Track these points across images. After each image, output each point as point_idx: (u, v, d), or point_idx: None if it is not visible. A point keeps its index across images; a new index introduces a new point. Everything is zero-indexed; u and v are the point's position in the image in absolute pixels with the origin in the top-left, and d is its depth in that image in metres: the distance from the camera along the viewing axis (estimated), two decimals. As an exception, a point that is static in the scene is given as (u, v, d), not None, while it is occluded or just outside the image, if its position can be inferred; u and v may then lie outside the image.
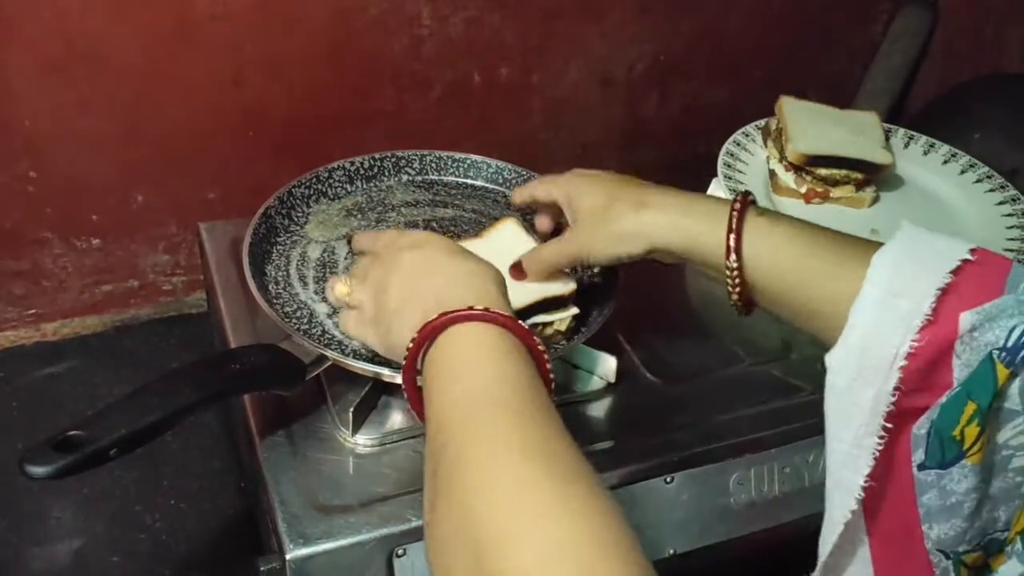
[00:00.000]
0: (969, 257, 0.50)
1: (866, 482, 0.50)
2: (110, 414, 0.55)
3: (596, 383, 0.74)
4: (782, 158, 0.93)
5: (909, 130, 1.02)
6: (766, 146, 0.97)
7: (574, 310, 0.71)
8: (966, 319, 0.48)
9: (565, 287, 0.70)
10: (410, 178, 0.88)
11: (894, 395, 0.49)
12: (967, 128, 1.05)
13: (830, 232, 0.57)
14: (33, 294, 0.93)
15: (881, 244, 0.53)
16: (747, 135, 0.98)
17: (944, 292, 0.48)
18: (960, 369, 0.48)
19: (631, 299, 0.78)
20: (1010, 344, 0.47)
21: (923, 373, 0.49)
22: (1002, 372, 0.47)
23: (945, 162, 0.99)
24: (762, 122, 1.00)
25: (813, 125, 0.94)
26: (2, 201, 0.86)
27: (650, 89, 1.10)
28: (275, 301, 0.73)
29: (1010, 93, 1.08)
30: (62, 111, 0.84)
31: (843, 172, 0.92)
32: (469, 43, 0.96)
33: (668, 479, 0.70)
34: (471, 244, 0.74)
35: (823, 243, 0.56)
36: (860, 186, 0.93)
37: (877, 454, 0.50)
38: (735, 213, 0.58)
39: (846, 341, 0.51)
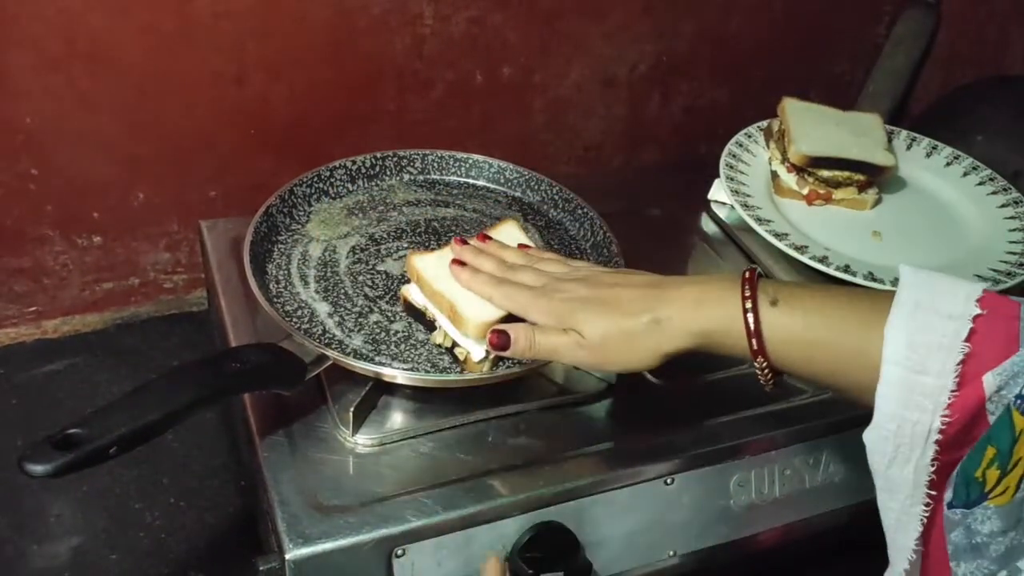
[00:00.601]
0: (979, 312, 0.50)
1: (917, 545, 0.51)
2: (110, 412, 0.55)
3: (596, 384, 0.74)
4: (784, 159, 0.93)
5: (912, 132, 1.02)
6: (768, 147, 0.97)
7: (575, 311, 0.71)
8: (990, 381, 0.49)
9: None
10: (412, 177, 0.88)
11: (933, 466, 0.50)
12: (970, 130, 1.05)
13: (843, 297, 0.56)
14: (34, 291, 0.93)
15: (891, 297, 0.53)
16: (749, 136, 0.98)
17: (964, 360, 0.49)
18: (982, 420, 0.49)
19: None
20: None
21: (959, 436, 0.50)
22: (1019, 420, 0.47)
23: (948, 164, 0.99)
24: (764, 123, 1.00)
25: (816, 126, 0.94)
26: (3, 198, 0.86)
27: (652, 89, 1.10)
28: (276, 300, 0.73)
29: (1013, 95, 1.08)
30: (64, 109, 0.84)
31: (845, 174, 0.92)
32: (471, 43, 0.96)
33: (668, 480, 0.69)
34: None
35: (841, 317, 0.55)
36: (862, 188, 0.93)
37: (924, 520, 0.51)
38: (748, 314, 0.57)
39: (878, 424, 0.51)
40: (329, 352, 0.66)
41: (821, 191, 0.92)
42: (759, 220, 0.86)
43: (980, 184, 0.96)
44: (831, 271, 0.82)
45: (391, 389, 0.71)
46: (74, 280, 0.94)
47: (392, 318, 0.73)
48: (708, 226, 0.95)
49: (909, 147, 1.01)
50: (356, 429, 0.68)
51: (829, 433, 0.74)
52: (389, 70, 0.95)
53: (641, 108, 1.11)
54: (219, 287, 0.79)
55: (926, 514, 0.51)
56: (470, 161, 0.89)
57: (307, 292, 0.74)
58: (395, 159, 0.87)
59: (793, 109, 0.96)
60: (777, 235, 0.85)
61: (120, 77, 0.84)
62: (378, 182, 0.87)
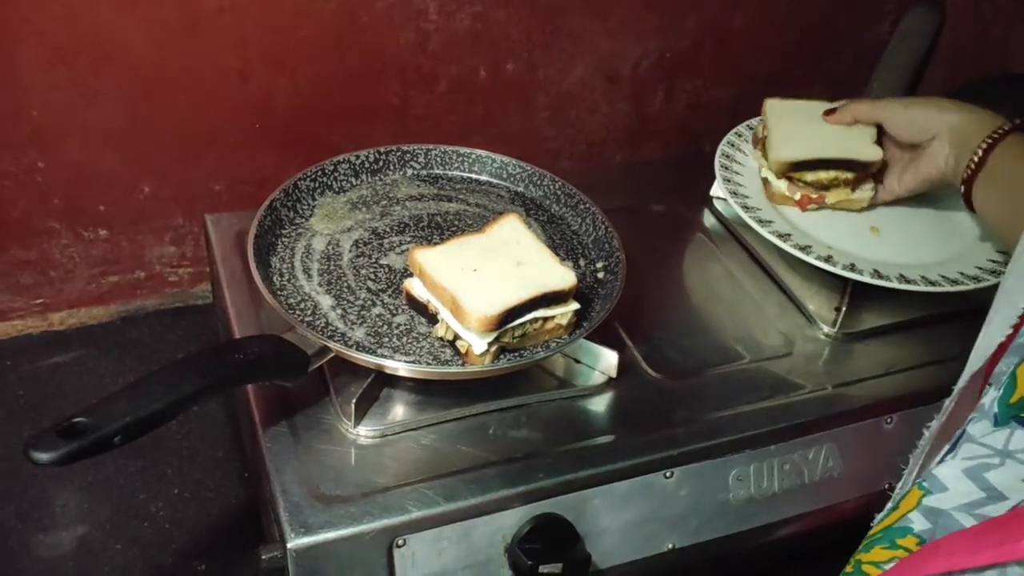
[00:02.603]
0: None
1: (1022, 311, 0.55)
2: (114, 402, 0.56)
3: (597, 378, 0.75)
4: (776, 170, 0.90)
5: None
6: (757, 153, 0.94)
7: (575, 305, 0.72)
8: None
9: (566, 282, 0.71)
10: (415, 172, 0.89)
11: None
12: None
13: None
14: (40, 284, 0.93)
15: None
16: (740, 135, 0.98)
17: None
18: None
19: (633, 295, 0.78)
20: None
21: None
22: None
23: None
24: (754, 121, 0.99)
25: (797, 128, 0.90)
26: (10, 191, 0.87)
27: (655, 86, 1.11)
28: (279, 293, 0.73)
29: (1017, 93, 1.08)
30: (70, 102, 0.85)
31: (832, 174, 0.88)
32: (475, 38, 0.97)
33: (668, 474, 0.70)
34: (473, 239, 0.74)
35: None
36: (854, 186, 0.89)
37: None
38: (1007, 124, 0.75)
39: None
40: (332, 344, 0.67)
41: (813, 195, 0.89)
42: (761, 222, 0.86)
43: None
44: (837, 270, 0.82)
45: (393, 381, 0.72)
46: (80, 273, 0.94)
47: (394, 311, 0.73)
48: (710, 222, 0.96)
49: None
50: (358, 421, 0.68)
51: (828, 427, 0.75)
52: (393, 65, 0.95)
53: (644, 104, 1.12)
54: (223, 280, 0.80)
55: None
56: (473, 156, 0.89)
57: (310, 285, 0.75)
58: (399, 154, 0.88)
59: (775, 111, 0.92)
60: (780, 235, 0.85)
61: (126, 71, 0.85)
62: (381, 176, 0.87)
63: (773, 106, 0.93)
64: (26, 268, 0.92)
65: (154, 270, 0.97)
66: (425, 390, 0.72)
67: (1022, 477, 0.42)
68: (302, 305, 0.73)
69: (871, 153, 0.87)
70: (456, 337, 0.69)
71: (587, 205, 0.85)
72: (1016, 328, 0.54)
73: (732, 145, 0.97)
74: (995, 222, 0.77)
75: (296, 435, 0.68)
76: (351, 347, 0.68)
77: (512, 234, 0.75)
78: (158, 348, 0.94)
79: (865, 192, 0.90)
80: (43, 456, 0.52)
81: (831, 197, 0.89)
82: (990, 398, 0.48)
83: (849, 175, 0.88)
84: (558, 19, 1.00)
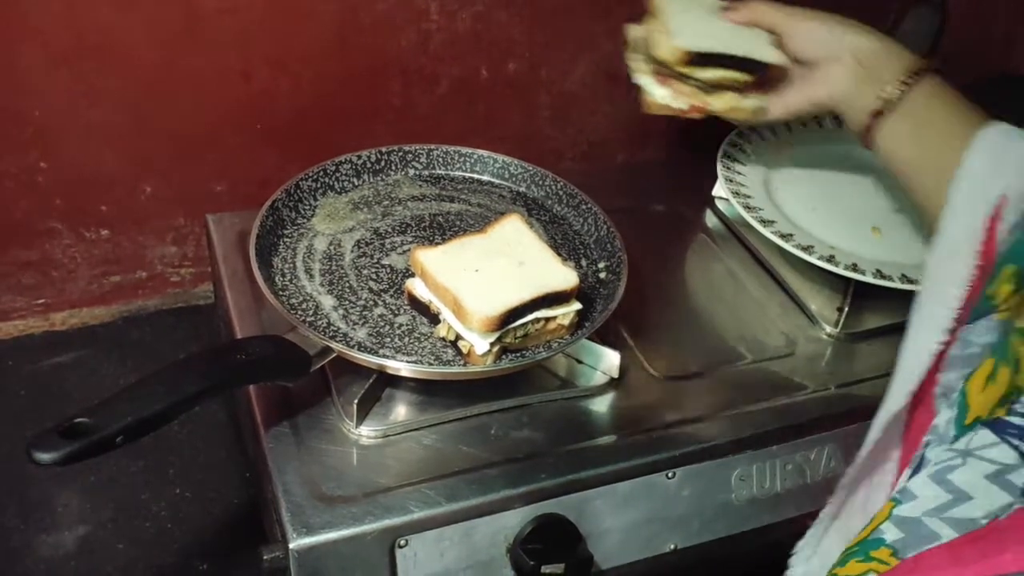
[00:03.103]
0: None
1: (956, 313, 0.54)
2: (116, 402, 0.56)
3: (599, 378, 0.75)
4: (654, 66, 0.79)
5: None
6: (629, 61, 0.82)
7: (577, 305, 0.72)
8: (1015, 188, 0.55)
9: (568, 283, 0.71)
10: (417, 172, 0.89)
11: (980, 246, 0.55)
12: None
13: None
14: (42, 284, 0.93)
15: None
16: (742, 135, 0.98)
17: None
18: (1001, 231, 0.54)
19: (635, 296, 0.78)
20: None
21: (989, 239, 0.55)
22: None
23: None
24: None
25: (690, 17, 0.79)
26: (12, 191, 0.87)
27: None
28: (281, 293, 0.73)
29: (1019, 94, 1.08)
30: (72, 103, 0.85)
31: (727, 74, 0.77)
32: (477, 38, 0.97)
33: (670, 474, 0.70)
34: (475, 239, 0.74)
35: (976, 112, 0.68)
36: (745, 92, 0.79)
37: (967, 290, 0.54)
38: (927, 64, 0.72)
39: (951, 204, 0.59)
40: (334, 344, 0.67)
41: (698, 103, 0.78)
42: (763, 222, 0.86)
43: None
44: (840, 270, 0.82)
45: (395, 382, 0.72)
46: (82, 273, 0.94)
47: (396, 311, 0.73)
48: (712, 222, 0.96)
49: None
50: (360, 421, 0.68)
51: (831, 428, 0.75)
52: (395, 66, 0.95)
53: None
54: (225, 280, 0.80)
55: (974, 273, 0.55)
56: (475, 156, 0.89)
57: (312, 285, 0.75)
58: (400, 154, 0.88)
59: (666, 1, 0.80)
60: (782, 236, 0.85)
61: (127, 71, 0.85)
62: (383, 177, 0.87)
63: None
64: (28, 268, 0.92)
65: (156, 270, 0.97)
66: (427, 390, 0.72)
67: (985, 474, 0.42)
68: (304, 305, 0.73)
69: (774, 55, 0.77)
70: (458, 337, 0.69)
71: (589, 205, 0.85)
72: (953, 333, 0.54)
73: (734, 145, 0.97)
74: (905, 167, 0.71)
75: (298, 435, 0.68)
76: (353, 347, 0.68)
77: (514, 234, 0.75)
78: (160, 348, 0.94)
79: (752, 100, 0.80)
80: (45, 456, 0.52)
81: (718, 103, 0.79)
82: (944, 419, 0.47)
83: (745, 77, 0.77)
84: (559, 19, 1.00)
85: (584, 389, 0.74)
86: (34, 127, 0.85)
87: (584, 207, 0.85)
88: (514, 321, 0.68)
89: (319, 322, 0.71)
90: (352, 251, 0.79)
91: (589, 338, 0.73)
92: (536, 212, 0.86)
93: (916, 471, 0.46)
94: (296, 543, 0.60)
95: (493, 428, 0.70)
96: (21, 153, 0.85)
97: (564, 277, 0.71)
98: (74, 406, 0.54)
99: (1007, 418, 0.43)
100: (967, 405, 0.47)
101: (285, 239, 0.79)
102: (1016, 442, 0.42)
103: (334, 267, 0.77)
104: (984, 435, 0.43)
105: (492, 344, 0.68)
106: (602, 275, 0.80)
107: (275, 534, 0.64)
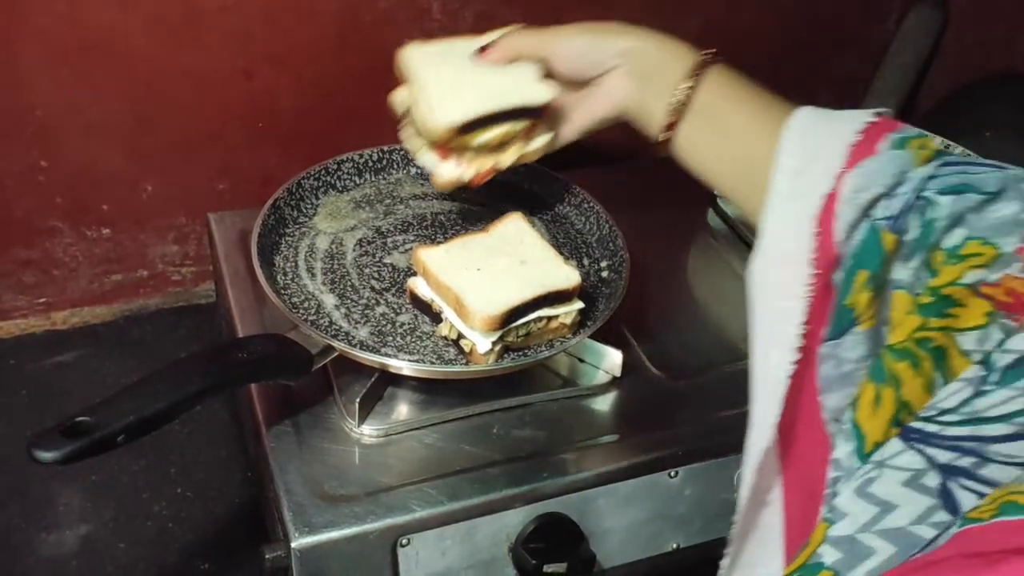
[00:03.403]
0: (872, 119, 0.53)
1: (803, 329, 0.51)
2: (118, 401, 0.56)
3: (601, 377, 0.74)
4: (431, 145, 0.71)
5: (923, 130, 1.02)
6: (403, 139, 0.75)
7: (579, 304, 0.72)
8: (848, 180, 0.51)
9: (570, 281, 0.70)
10: (419, 171, 0.88)
11: (813, 252, 0.51)
12: (979, 127, 1.05)
13: (776, 96, 0.62)
14: (43, 283, 0.93)
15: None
16: None
17: (849, 154, 0.51)
18: (839, 229, 0.50)
19: (638, 295, 0.78)
20: (895, 213, 0.49)
21: (825, 234, 0.51)
22: (888, 239, 0.49)
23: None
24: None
25: (449, 79, 0.70)
26: (13, 190, 0.87)
27: (659, 85, 1.10)
28: (283, 292, 0.73)
29: (1021, 92, 1.08)
30: (73, 101, 0.84)
31: (504, 130, 0.69)
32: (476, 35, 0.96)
33: (672, 473, 0.70)
34: (477, 238, 0.74)
35: (769, 100, 0.61)
36: (528, 137, 0.72)
37: (810, 300, 0.51)
38: (707, 55, 0.64)
39: (771, 205, 0.54)
40: (335, 343, 0.67)
41: (487, 166, 0.71)
42: None
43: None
44: None
45: (397, 380, 0.71)
46: (83, 272, 0.94)
47: (398, 310, 0.73)
48: (714, 221, 0.96)
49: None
50: (362, 420, 0.68)
51: (833, 427, 0.74)
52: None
53: None
54: (227, 279, 0.80)
55: (811, 293, 0.51)
56: (477, 155, 0.89)
57: (314, 284, 0.75)
58: (402, 153, 0.88)
59: (417, 62, 0.70)
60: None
61: (129, 70, 0.85)
62: (385, 175, 0.87)
63: (412, 56, 0.71)
64: (29, 267, 0.92)
65: (157, 269, 0.97)
66: (429, 389, 0.71)
67: (901, 481, 0.42)
68: (306, 304, 0.72)
69: (543, 93, 0.69)
70: (460, 336, 0.69)
71: (591, 204, 0.84)
72: (808, 351, 0.52)
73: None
74: (714, 173, 0.64)
75: (300, 434, 0.68)
76: (355, 346, 0.68)
77: (516, 233, 0.75)
78: (161, 347, 0.94)
79: (541, 139, 0.72)
80: (47, 455, 0.52)
81: (508, 158, 0.71)
82: (844, 453, 0.46)
83: (524, 125, 0.70)
84: (561, 17, 0.99)
85: (586, 388, 0.74)
86: (35, 125, 0.84)
87: (586, 206, 0.85)
88: (516, 320, 0.68)
89: (321, 321, 0.71)
90: (354, 250, 0.79)
91: (591, 337, 0.72)
92: (538, 211, 0.86)
93: (831, 508, 0.45)
94: (298, 542, 0.60)
95: (495, 427, 0.70)
96: (22, 151, 0.85)
97: (566, 276, 0.71)
98: (75, 405, 0.54)
99: (910, 424, 0.44)
100: (862, 434, 0.46)
101: (287, 238, 0.79)
102: (920, 446, 0.42)
103: (336, 266, 0.77)
104: (893, 444, 0.43)
105: (494, 343, 0.68)
106: (604, 274, 0.80)
107: (277, 533, 0.64)
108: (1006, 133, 1.03)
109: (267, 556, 0.61)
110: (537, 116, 0.70)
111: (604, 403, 0.74)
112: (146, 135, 0.89)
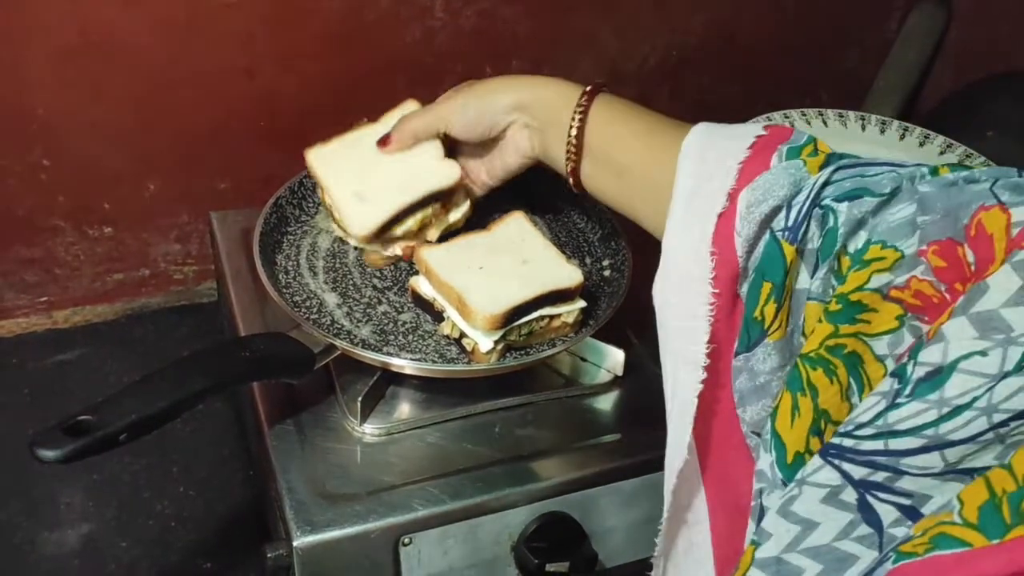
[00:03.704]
0: (763, 133, 0.53)
1: (708, 348, 0.52)
2: (120, 399, 0.56)
3: (603, 376, 0.74)
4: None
5: (925, 129, 1.02)
6: (333, 228, 0.76)
7: (581, 303, 0.72)
8: (743, 198, 0.51)
9: (572, 280, 0.70)
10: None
11: (712, 260, 0.52)
12: (980, 127, 1.05)
13: (656, 118, 0.63)
14: (45, 281, 0.93)
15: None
16: None
17: (740, 171, 0.52)
18: (740, 245, 0.51)
19: (640, 293, 0.77)
20: (790, 223, 0.49)
21: (725, 246, 0.52)
22: (788, 249, 0.49)
23: (960, 162, 0.98)
24: (762, 118, 0.98)
25: (357, 179, 0.73)
26: (15, 188, 0.87)
27: (661, 84, 1.10)
28: (285, 290, 0.73)
29: (1020, 91, 1.08)
30: (76, 99, 0.84)
31: (420, 217, 0.72)
32: (481, 36, 0.97)
33: (674, 472, 0.70)
34: (479, 237, 0.74)
35: (654, 126, 0.62)
36: (447, 211, 0.75)
37: (711, 320, 0.52)
38: (586, 93, 0.64)
39: (669, 226, 0.55)
40: (337, 342, 0.67)
41: (415, 242, 0.74)
42: None
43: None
44: None
45: (399, 379, 0.71)
46: (85, 271, 0.94)
47: (400, 309, 0.73)
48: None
49: (922, 144, 1.01)
50: (364, 419, 0.68)
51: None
52: (399, 63, 0.95)
53: (650, 102, 1.09)
54: (229, 277, 0.80)
55: (712, 314, 0.52)
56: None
57: (316, 283, 0.74)
58: (404, 151, 0.87)
59: (323, 165, 0.73)
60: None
61: (132, 68, 0.85)
62: (387, 174, 0.87)
63: (319, 158, 0.74)
64: (31, 266, 0.92)
65: (159, 268, 0.97)
66: (431, 388, 0.71)
67: (820, 498, 0.42)
68: (308, 303, 0.72)
69: (449, 175, 0.72)
70: (462, 335, 0.69)
71: (593, 202, 0.84)
72: (718, 368, 0.52)
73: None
74: (620, 203, 0.64)
75: (302, 433, 0.68)
76: (357, 345, 0.68)
77: (518, 232, 0.75)
78: (163, 346, 0.94)
79: (461, 209, 0.76)
80: (49, 454, 0.52)
81: (434, 232, 0.75)
82: (767, 463, 0.47)
83: (436, 208, 0.73)
84: (565, 16, 1.00)
85: (588, 387, 0.74)
86: (38, 124, 0.84)
87: (588, 204, 0.85)
88: (518, 319, 0.68)
89: (323, 319, 0.71)
90: (356, 249, 0.78)
91: (593, 336, 0.72)
92: (539, 209, 0.86)
93: (760, 518, 0.46)
94: (300, 541, 0.60)
95: (497, 426, 0.70)
96: (24, 150, 0.85)
97: (568, 274, 0.71)
98: (77, 404, 0.54)
99: (829, 440, 0.44)
100: (783, 444, 0.46)
101: (289, 236, 0.79)
102: (836, 462, 0.42)
103: (338, 264, 0.77)
104: (813, 460, 0.43)
105: (496, 342, 0.68)
106: (606, 272, 0.80)
107: (279, 532, 0.64)
108: (1008, 132, 1.03)
109: (269, 555, 0.61)
110: (448, 198, 0.74)
111: (606, 402, 0.74)
112: (148, 134, 0.89)
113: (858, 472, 0.41)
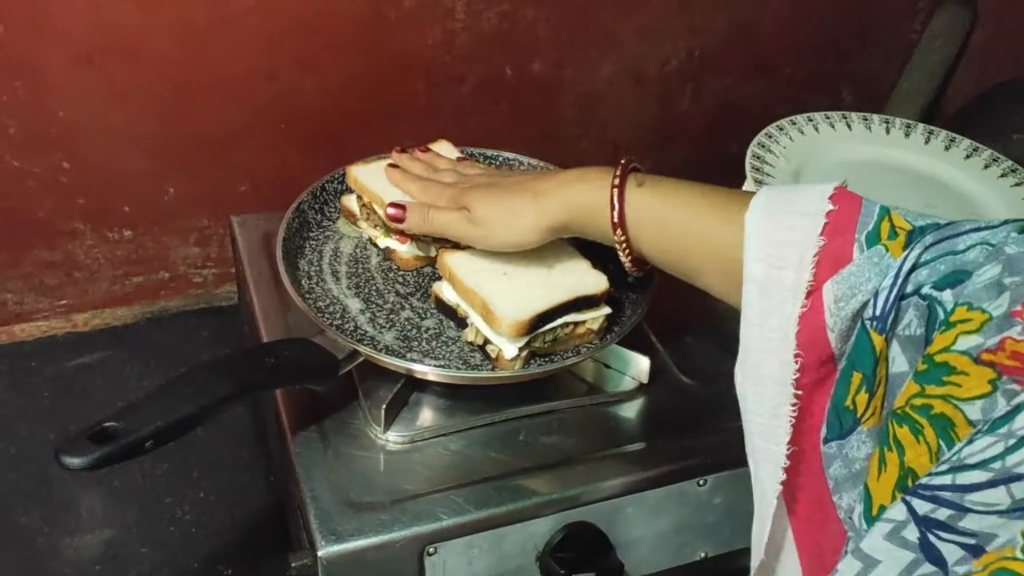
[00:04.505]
0: (830, 208, 0.51)
1: (789, 449, 0.51)
2: (145, 405, 0.55)
3: (628, 383, 0.74)
4: (390, 232, 0.76)
5: (951, 133, 1.00)
6: (363, 231, 0.80)
7: (607, 309, 0.71)
8: (828, 291, 0.50)
9: (598, 286, 0.70)
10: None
11: (797, 362, 0.50)
12: (1006, 129, 1.03)
13: (705, 188, 0.60)
14: (65, 285, 0.93)
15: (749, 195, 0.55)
16: (770, 136, 0.97)
17: (818, 256, 0.50)
18: (835, 340, 0.50)
19: (664, 299, 0.77)
20: (878, 312, 0.48)
21: (812, 343, 0.50)
22: (877, 339, 0.48)
23: (986, 166, 0.97)
24: (785, 122, 0.96)
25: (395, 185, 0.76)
26: (36, 192, 0.87)
27: (683, 86, 1.09)
28: (308, 296, 0.72)
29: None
30: (96, 103, 0.84)
31: None
32: (502, 37, 0.96)
33: (701, 481, 0.69)
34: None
35: (699, 203, 0.59)
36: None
37: (793, 420, 0.51)
38: (615, 189, 0.61)
39: (745, 317, 0.53)
40: (361, 348, 0.66)
41: (448, 244, 0.74)
42: None
43: (1017, 185, 0.94)
44: None
45: (422, 386, 0.71)
46: (104, 274, 0.94)
47: (423, 315, 0.73)
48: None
49: (947, 148, 0.99)
50: (388, 426, 0.68)
51: (864, 435, 0.73)
52: (419, 65, 0.94)
53: (672, 104, 1.10)
54: (250, 282, 0.79)
55: (794, 414, 0.51)
56: (500, 158, 0.88)
57: (339, 288, 0.74)
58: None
59: (366, 177, 0.77)
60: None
61: (152, 71, 0.84)
62: (408, 178, 0.86)
63: (359, 172, 0.78)
64: (50, 269, 0.92)
65: (178, 271, 0.97)
66: (454, 395, 0.71)
67: (883, 534, 0.41)
68: (331, 308, 0.72)
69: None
70: (486, 341, 0.68)
71: (617, 207, 0.83)
72: (803, 451, 0.51)
73: (762, 146, 0.95)
74: (688, 276, 0.61)
75: (325, 440, 0.67)
76: (381, 351, 0.67)
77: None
78: (182, 349, 0.94)
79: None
80: (74, 461, 0.51)
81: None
82: (857, 515, 0.46)
83: None
84: (586, 18, 0.99)
85: (613, 394, 0.73)
86: (58, 127, 0.84)
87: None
88: (543, 325, 0.67)
89: (346, 325, 0.70)
90: (378, 254, 0.78)
91: (618, 343, 0.71)
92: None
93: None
94: (324, 550, 0.60)
95: (521, 433, 0.70)
96: (45, 153, 0.85)
97: (594, 281, 0.70)
98: (97, 407, 0.54)
99: None
100: (869, 496, 0.45)
101: (311, 241, 0.78)
102: (908, 497, 0.41)
103: (360, 270, 0.76)
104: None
105: (521, 349, 0.67)
106: (630, 278, 0.79)
107: (302, 540, 0.64)
108: (1034, 135, 1.01)
109: (293, 565, 0.60)
110: None
111: (631, 410, 0.73)
112: (168, 137, 0.88)
113: (923, 507, 0.40)
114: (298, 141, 0.93)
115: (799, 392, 0.51)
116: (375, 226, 0.77)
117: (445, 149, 0.79)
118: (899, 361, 0.48)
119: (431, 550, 0.62)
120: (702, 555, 0.71)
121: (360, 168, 0.77)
